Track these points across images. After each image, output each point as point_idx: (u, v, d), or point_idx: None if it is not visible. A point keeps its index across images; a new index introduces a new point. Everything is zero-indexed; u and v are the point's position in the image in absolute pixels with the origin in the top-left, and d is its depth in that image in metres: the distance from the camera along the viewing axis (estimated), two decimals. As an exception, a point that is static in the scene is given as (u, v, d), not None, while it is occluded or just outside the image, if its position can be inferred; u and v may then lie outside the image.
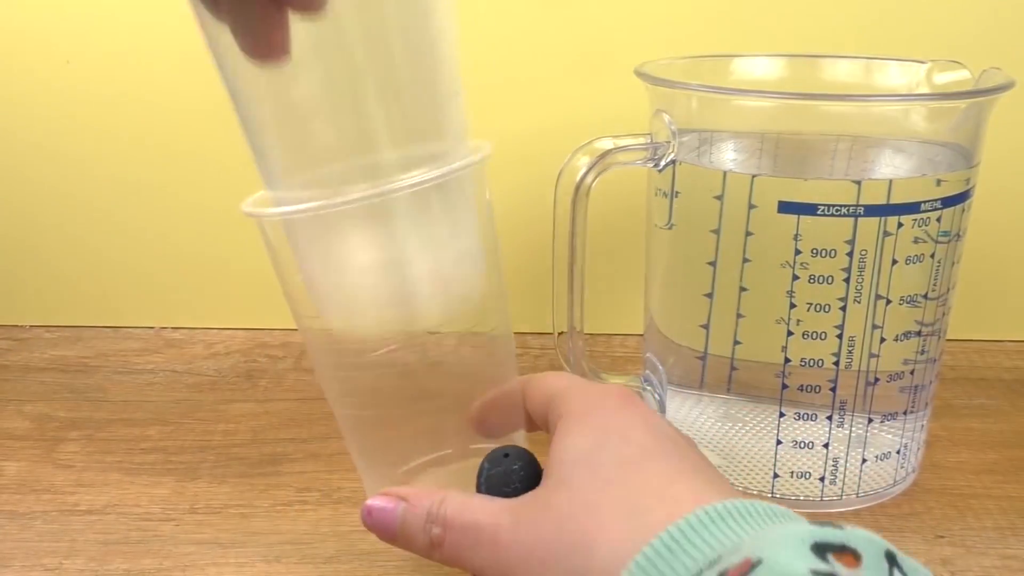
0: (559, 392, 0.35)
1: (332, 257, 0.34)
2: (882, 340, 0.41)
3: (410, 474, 0.42)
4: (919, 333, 0.42)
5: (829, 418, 0.42)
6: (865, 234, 0.39)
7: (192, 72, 0.57)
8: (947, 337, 0.44)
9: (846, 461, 0.43)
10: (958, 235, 0.41)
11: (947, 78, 0.44)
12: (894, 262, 0.40)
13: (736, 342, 0.42)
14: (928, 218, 0.39)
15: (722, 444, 0.45)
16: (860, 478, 0.43)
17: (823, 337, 0.41)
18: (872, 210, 0.39)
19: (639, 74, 0.44)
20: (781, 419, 0.42)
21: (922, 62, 0.45)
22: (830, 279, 0.40)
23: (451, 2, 0.34)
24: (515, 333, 0.42)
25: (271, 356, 0.60)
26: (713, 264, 0.42)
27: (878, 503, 0.44)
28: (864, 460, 0.43)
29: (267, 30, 0.29)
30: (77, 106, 0.59)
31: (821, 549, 0.24)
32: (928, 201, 0.39)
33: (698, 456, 0.32)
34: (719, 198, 0.41)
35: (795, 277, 0.40)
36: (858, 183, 0.38)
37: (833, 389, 0.41)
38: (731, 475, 0.44)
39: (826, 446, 0.42)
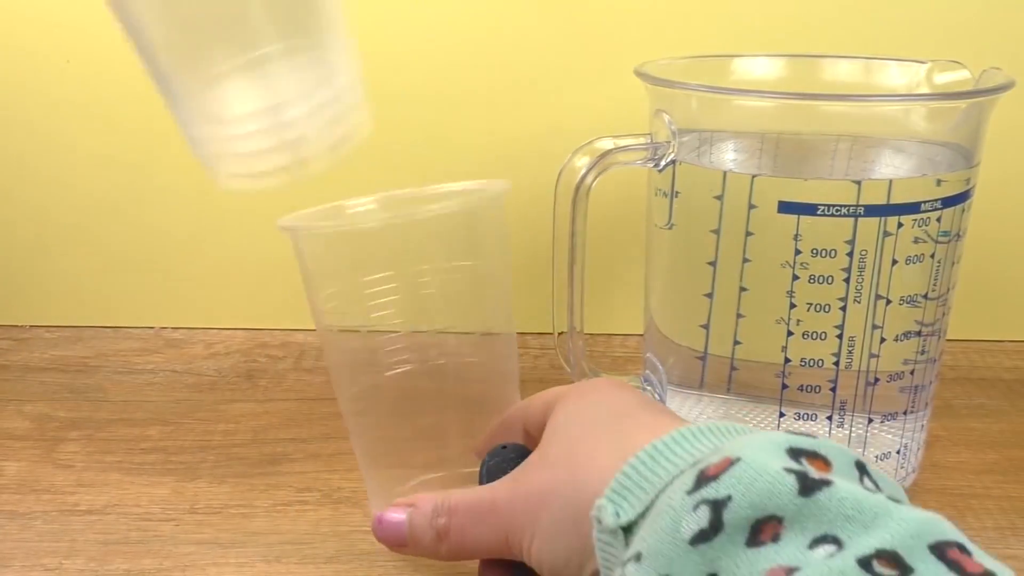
0: (556, 395, 0.36)
1: (213, 111, 0.35)
2: (882, 340, 0.41)
3: (413, 491, 0.42)
4: (919, 333, 0.42)
5: (829, 418, 0.42)
6: (865, 234, 0.39)
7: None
8: (947, 337, 0.44)
9: (846, 461, 0.43)
10: (958, 235, 0.41)
11: (947, 78, 0.44)
12: (894, 262, 0.40)
13: (736, 342, 0.42)
14: (928, 218, 0.39)
15: (722, 444, 0.45)
16: (860, 478, 0.43)
17: (823, 337, 0.41)
18: (872, 210, 0.39)
19: (639, 74, 0.44)
20: (781, 419, 0.42)
21: (922, 62, 0.45)
22: (830, 279, 0.40)
23: None
24: (515, 333, 0.43)
25: (271, 356, 0.60)
26: (713, 264, 0.42)
27: (878, 503, 0.44)
28: (864, 460, 0.43)
29: None
30: (77, 106, 0.59)
31: (795, 453, 0.25)
32: (928, 201, 0.39)
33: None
34: (719, 198, 0.41)
35: (795, 277, 0.40)
36: (858, 183, 0.38)
37: (833, 389, 0.41)
38: (731, 475, 0.44)
39: (826, 446, 0.42)
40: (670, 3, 0.55)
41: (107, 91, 0.59)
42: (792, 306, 0.40)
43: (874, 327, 0.41)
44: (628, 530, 0.27)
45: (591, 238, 0.45)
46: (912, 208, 0.39)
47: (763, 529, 0.23)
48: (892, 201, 0.39)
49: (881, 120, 0.43)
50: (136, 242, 0.62)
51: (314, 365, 0.58)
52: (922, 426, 0.45)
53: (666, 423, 0.30)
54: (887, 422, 0.43)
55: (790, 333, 0.41)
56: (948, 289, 0.42)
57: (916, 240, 0.40)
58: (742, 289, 0.41)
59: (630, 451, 0.28)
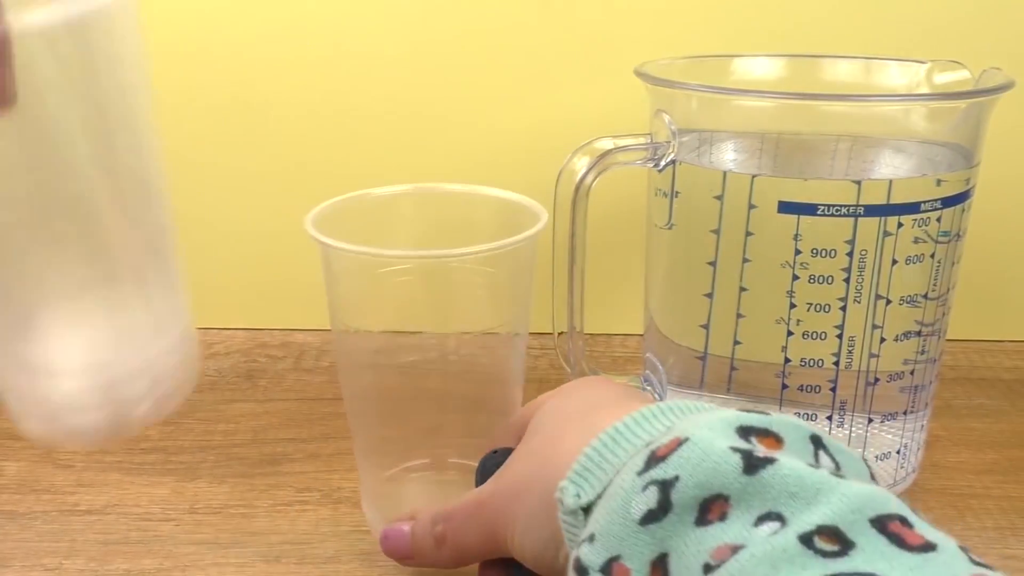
0: (544, 398, 0.36)
1: (27, 358, 0.31)
2: (882, 340, 0.41)
3: (394, 479, 0.42)
4: (919, 333, 0.42)
5: (829, 418, 0.42)
6: (865, 234, 0.39)
7: (193, 73, 0.57)
8: (947, 337, 0.44)
9: (846, 461, 0.43)
10: (958, 235, 0.41)
11: (947, 78, 0.44)
12: (894, 262, 0.40)
13: (736, 342, 0.42)
14: (928, 218, 0.39)
15: (722, 444, 0.45)
16: (860, 478, 0.43)
17: (823, 337, 0.41)
18: (872, 210, 0.39)
19: (639, 74, 0.44)
20: (781, 419, 0.42)
21: (922, 62, 0.45)
22: (830, 279, 0.40)
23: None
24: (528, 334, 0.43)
25: (271, 356, 0.60)
26: (713, 264, 0.42)
27: (878, 503, 0.44)
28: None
29: None
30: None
31: (745, 432, 0.26)
32: (928, 201, 0.39)
33: None
34: (719, 198, 0.41)
35: (795, 277, 0.40)
36: (858, 183, 0.38)
37: (833, 389, 0.41)
38: (731, 475, 0.44)
39: (826, 446, 0.42)
40: (670, 3, 0.55)
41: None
42: (792, 306, 0.40)
43: (874, 327, 0.41)
44: (587, 511, 0.27)
45: (591, 238, 0.45)
46: (912, 208, 0.39)
47: (711, 508, 0.24)
48: (892, 201, 0.39)
49: (881, 120, 0.43)
50: (136, 242, 0.62)
51: (314, 365, 0.58)
52: (922, 426, 0.45)
53: (633, 407, 0.30)
54: (887, 422, 0.43)
55: (790, 333, 0.41)
56: (948, 289, 0.42)
57: (916, 240, 0.40)
58: (742, 289, 0.41)
59: (593, 433, 0.29)
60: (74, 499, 0.45)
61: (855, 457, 0.27)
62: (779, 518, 0.23)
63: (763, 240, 0.40)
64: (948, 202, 0.40)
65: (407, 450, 0.42)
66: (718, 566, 0.23)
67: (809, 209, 0.39)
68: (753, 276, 0.41)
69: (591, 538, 0.26)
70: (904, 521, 0.23)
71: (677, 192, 0.43)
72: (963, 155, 0.41)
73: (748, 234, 0.40)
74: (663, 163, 0.43)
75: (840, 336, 0.40)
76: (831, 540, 0.22)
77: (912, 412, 0.43)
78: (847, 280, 0.40)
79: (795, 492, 0.23)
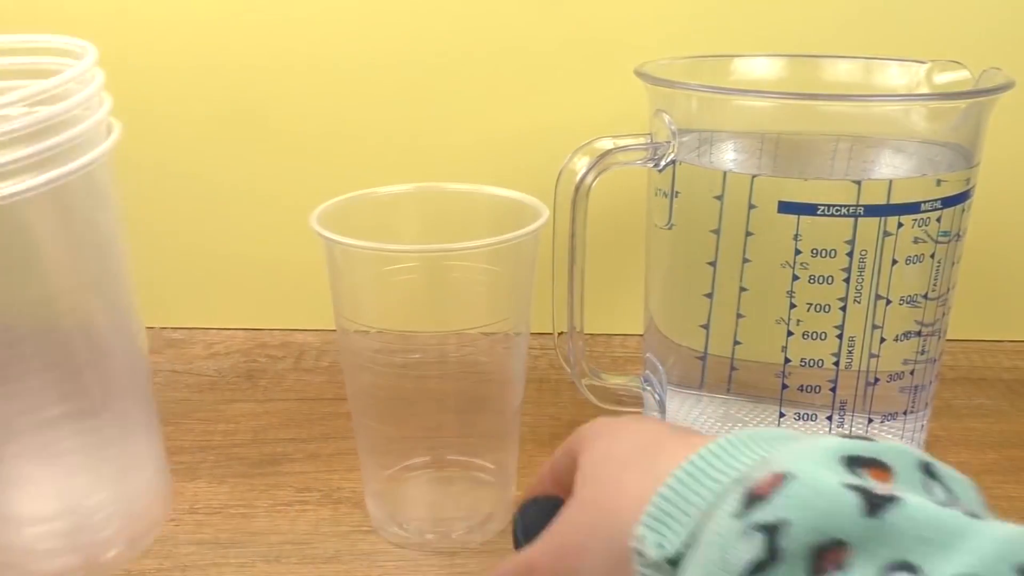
0: (579, 440, 0.32)
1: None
2: (882, 340, 0.41)
3: (395, 477, 0.42)
4: (919, 333, 0.42)
5: (829, 418, 0.42)
6: (865, 234, 0.39)
7: (194, 73, 0.57)
8: (947, 337, 0.44)
9: (846, 461, 0.43)
10: (958, 235, 0.41)
11: (947, 78, 0.44)
12: (894, 262, 0.40)
13: (736, 342, 0.42)
14: (928, 218, 0.39)
15: (722, 444, 0.45)
16: (860, 478, 0.43)
17: (823, 337, 0.41)
18: (872, 210, 0.39)
19: (639, 74, 0.44)
20: (781, 419, 0.42)
21: (922, 62, 0.45)
22: (830, 279, 0.40)
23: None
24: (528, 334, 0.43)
25: (271, 356, 0.60)
26: (713, 264, 0.42)
27: (878, 503, 0.44)
28: (864, 460, 0.43)
29: None
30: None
31: (852, 462, 0.23)
32: (928, 201, 0.39)
33: None
34: (719, 198, 0.41)
35: (795, 277, 0.40)
36: (858, 183, 0.38)
37: (833, 389, 0.41)
38: (731, 475, 0.44)
39: (826, 446, 0.42)
40: (670, 3, 0.55)
41: (110, 92, 0.59)
42: (792, 306, 0.40)
43: (874, 327, 0.41)
44: (674, 563, 0.24)
45: (591, 238, 0.45)
46: (912, 208, 0.39)
47: (826, 556, 0.21)
48: (892, 201, 0.39)
49: (881, 120, 0.43)
50: (136, 242, 0.62)
51: (314, 365, 0.58)
52: (922, 426, 0.45)
53: (698, 441, 0.26)
54: (887, 422, 0.43)
55: (790, 333, 0.41)
56: (948, 289, 0.42)
57: (916, 240, 0.40)
58: (742, 289, 0.41)
59: (664, 474, 0.25)
60: (74, 499, 0.45)
61: (967, 484, 0.24)
62: (910, 568, 0.20)
63: (763, 240, 0.40)
64: (948, 202, 0.40)
65: (409, 448, 0.43)
66: None
67: (809, 209, 0.39)
68: (753, 276, 0.41)
69: None
70: None
71: (677, 192, 0.43)
72: (963, 155, 0.41)
73: (748, 234, 0.40)
74: (663, 163, 0.43)
75: (840, 336, 0.40)
76: None
77: (912, 412, 0.43)
78: (847, 280, 0.40)
79: (928, 537, 0.20)
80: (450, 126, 0.58)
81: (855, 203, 0.38)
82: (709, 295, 0.42)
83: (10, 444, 0.28)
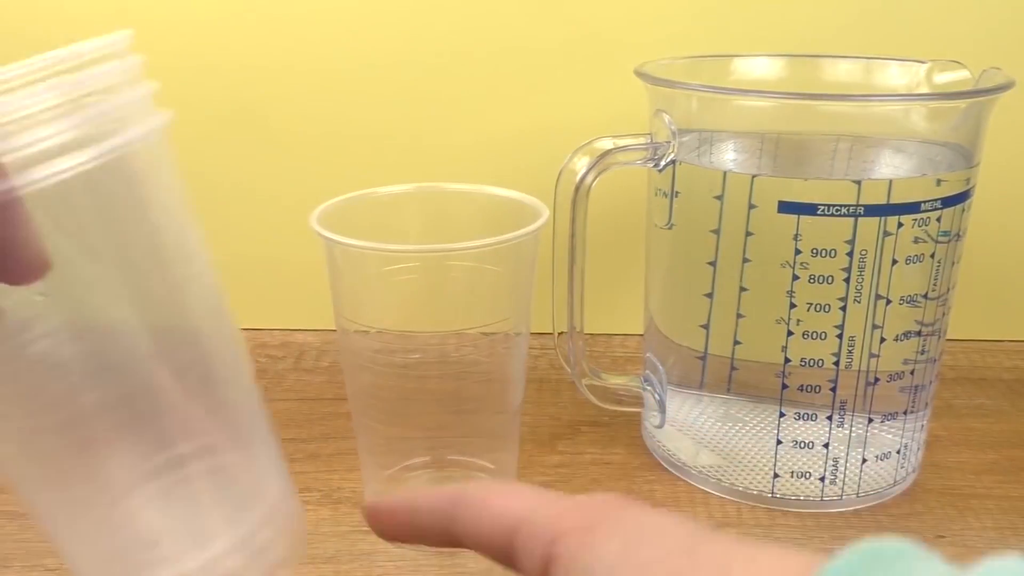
0: (528, 515, 0.24)
1: (115, 546, 0.27)
2: (882, 340, 0.41)
3: (395, 477, 0.42)
4: (919, 333, 0.42)
5: (829, 418, 0.42)
6: (865, 234, 0.39)
7: (195, 74, 0.57)
8: (947, 337, 0.44)
9: (846, 461, 0.43)
10: (958, 235, 0.41)
11: (947, 78, 0.44)
12: (894, 262, 0.40)
13: (736, 342, 0.42)
14: (928, 218, 0.39)
15: (722, 444, 0.45)
16: (860, 478, 0.43)
17: (823, 337, 0.41)
18: (872, 210, 0.39)
19: (639, 74, 0.44)
20: (781, 419, 0.42)
21: (922, 62, 0.45)
22: (830, 279, 0.40)
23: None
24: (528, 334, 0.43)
25: (271, 356, 0.60)
26: (713, 264, 0.42)
27: (878, 503, 0.44)
28: (864, 460, 0.43)
29: None
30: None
31: None
32: (928, 201, 0.39)
33: None
34: (719, 198, 0.41)
35: (795, 277, 0.40)
36: (858, 183, 0.38)
37: (833, 389, 0.41)
38: (731, 475, 0.44)
39: (826, 446, 0.42)
40: (670, 3, 0.55)
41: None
42: (792, 306, 0.40)
43: (874, 327, 0.41)
44: None
45: (591, 238, 0.45)
46: (912, 208, 0.39)
47: None
48: (892, 201, 0.39)
49: (881, 120, 0.43)
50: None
51: (314, 365, 0.58)
52: (922, 426, 0.45)
53: (761, 559, 0.20)
54: (887, 422, 0.43)
55: (790, 333, 0.41)
56: (948, 289, 0.42)
57: (916, 240, 0.40)
58: (742, 289, 0.41)
59: None
60: (74, 499, 0.45)
61: None
62: None
63: (763, 240, 0.40)
64: (948, 202, 0.40)
65: (409, 448, 0.43)
66: None
67: (809, 209, 0.39)
68: (753, 276, 0.41)
69: None
70: None
71: (677, 192, 0.43)
72: (963, 155, 0.41)
73: (748, 234, 0.40)
74: (663, 163, 0.43)
75: (840, 336, 0.40)
76: None
77: (912, 412, 0.43)
78: (847, 280, 0.40)
79: None
80: (450, 126, 0.58)
81: (855, 203, 0.38)
82: (709, 295, 0.42)
83: (122, 496, 0.26)
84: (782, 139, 0.44)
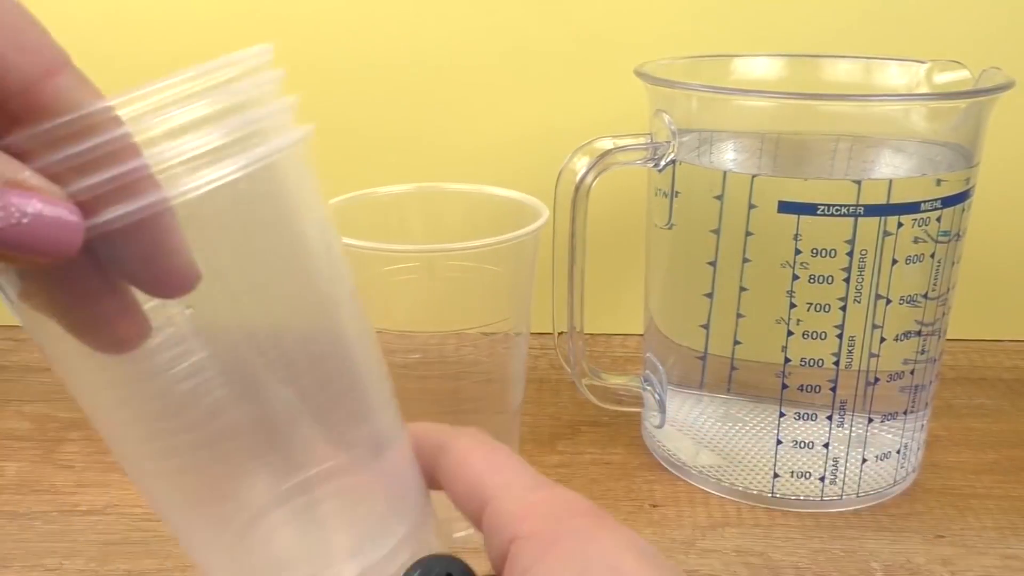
0: (498, 493, 0.25)
1: (252, 565, 0.26)
2: (882, 340, 0.41)
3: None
4: (919, 333, 0.42)
5: (829, 418, 0.42)
6: (865, 234, 0.39)
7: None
8: (947, 337, 0.44)
9: (846, 461, 0.43)
10: (958, 235, 0.41)
11: (947, 78, 0.44)
12: (894, 262, 0.40)
13: (736, 342, 0.42)
14: (928, 218, 0.39)
15: (722, 444, 0.45)
16: (860, 478, 0.43)
17: (823, 337, 0.41)
18: (872, 210, 0.39)
19: (639, 74, 0.44)
20: (781, 419, 0.42)
21: (922, 62, 0.45)
22: (830, 279, 0.40)
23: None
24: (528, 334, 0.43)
25: (271, 356, 0.60)
26: (713, 264, 0.42)
27: (878, 503, 0.44)
28: (864, 460, 0.43)
29: (107, 320, 0.21)
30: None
31: None
32: (928, 201, 0.39)
33: None
34: (719, 198, 0.41)
35: (795, 277, 0.40)
36: (858, 183, 0.38)
37: (833, 389, 0.41)
38: (731, 475, 0.44)
39: (826, 446, 0.42)
40: (670, 3, 0.55)
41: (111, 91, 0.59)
42: (792, 306, 0.40)
43: (874, 327, 0.41)
44: None
45: (591, 238, 0.45)
46: (912, 208, 0.39)
47: None
48: (892, 201, 0.39)
49: (881, 120, 0.43)
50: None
51: (314, 365, 0.58)
52: (922, 426, 0.45)
53: None
54: (887, 422, 0.43)
55: (790, 333, 0.41)
56: (948, 289, 0.42)
57: (916, 240, 0.40)
58: (742, 289, 0.41)
59: None
60: (74, 499, 0.45)
61: None
62: None
63: (763, 240, 0.40)
64: (948, 202, 0.40)
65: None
66: None
67: (809, 209, 0.39)
68: (753, 276, 0.41)
69: None
70: None
71: (677, 192, 0.43)
72: (963, 155, 0.41)
73: (748, 234, 0.40)
74: (663, 163, 0.43)
75: (840, 336, 0.40)
76: None
77: (912, 412, 0.43)
78: (847, 280, 0.40)
79: None
80: (450, 126, 0.58)
81: (855, 203, 0.38)
82: (709, 295, 0.42)
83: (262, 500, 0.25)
84: (782, 139, 0.44)
